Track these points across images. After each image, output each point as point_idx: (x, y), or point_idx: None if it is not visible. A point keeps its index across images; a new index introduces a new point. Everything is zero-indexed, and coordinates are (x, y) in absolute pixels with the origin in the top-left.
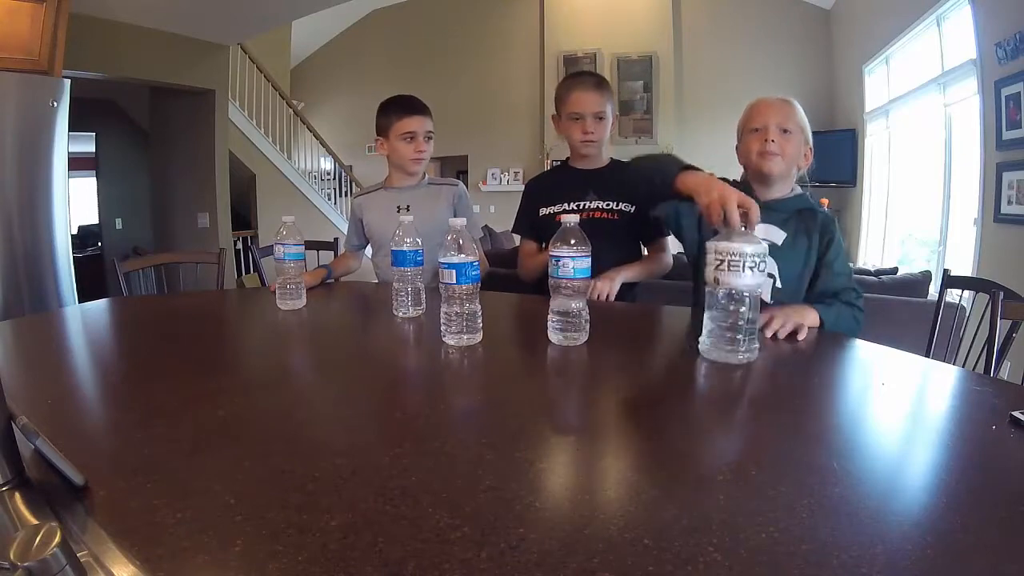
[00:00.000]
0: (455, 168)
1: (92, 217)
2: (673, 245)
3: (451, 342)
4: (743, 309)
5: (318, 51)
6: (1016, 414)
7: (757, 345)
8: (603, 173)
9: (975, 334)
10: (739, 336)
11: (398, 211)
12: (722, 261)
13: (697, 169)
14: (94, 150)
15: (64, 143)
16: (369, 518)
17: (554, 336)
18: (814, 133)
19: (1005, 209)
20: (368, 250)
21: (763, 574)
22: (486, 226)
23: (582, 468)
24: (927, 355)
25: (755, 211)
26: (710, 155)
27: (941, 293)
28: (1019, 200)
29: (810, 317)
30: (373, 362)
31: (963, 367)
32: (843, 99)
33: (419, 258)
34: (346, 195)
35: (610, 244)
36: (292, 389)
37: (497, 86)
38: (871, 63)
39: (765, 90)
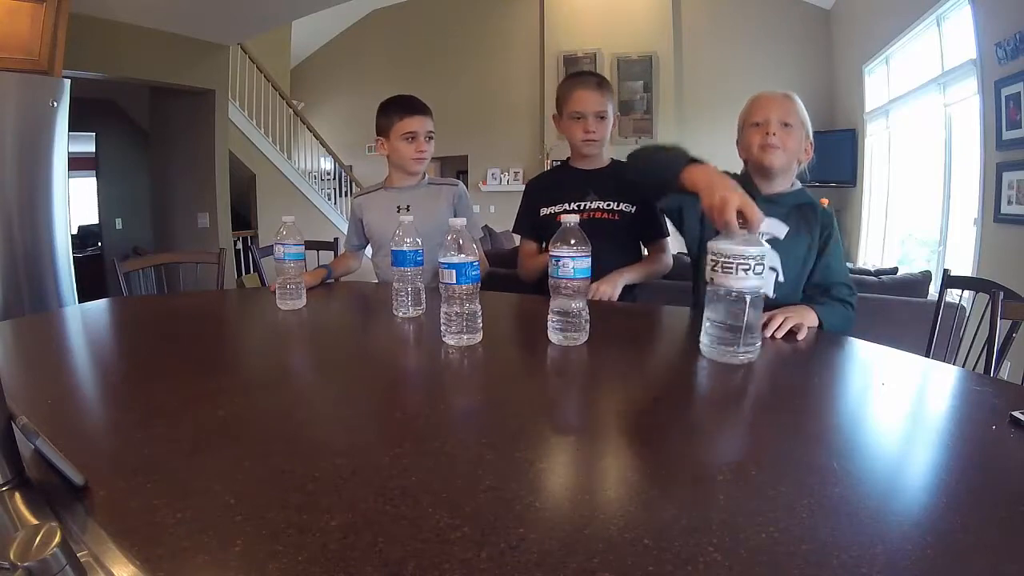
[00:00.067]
0: (455, 168)
1: (92, 217)
2: (673, 245)
3: (451, 342)
4: (742, 309)
5: (318, 51)
6: (1016, 414)
7: (759, 344)
8: (604, 173)
9: (975, 334)
10: (738, 336)
11: (398, 211)
12: (717, 263)
13: (702, 162)
14: (94, 150)
15: (64, 143)
16: (369, 518)
17: (554, 336)
18: (814, 133)
19: (1005, 209)
20: (368, 250)
21: (763, 574)
22: (486, 226)
23: (582, 468)
24: (927, 355)
25: (754, 215)
26: (710, 155)
27: (941, 293)
28: (1019, 200)
29: (809, 317)
30: (373, 362)
31: (963, 367)
32: (843, 99)
33: (419, 258)
34: (346, 195)
35: (610, 244)
36: (292, 389)
37: (497, 86)
38: (871, 63)
39: (765, 89)
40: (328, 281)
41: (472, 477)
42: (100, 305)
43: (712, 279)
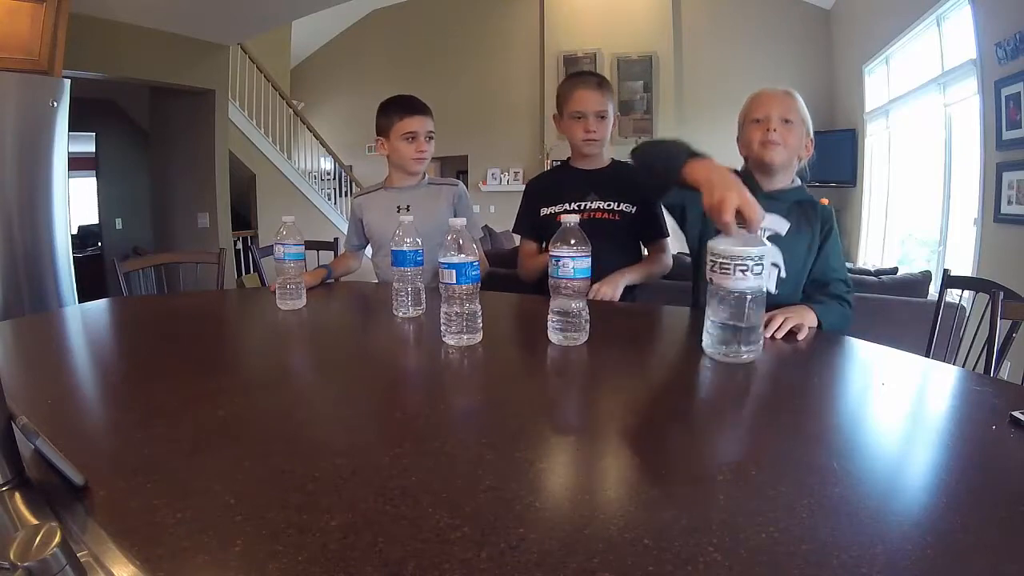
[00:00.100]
0: (455, 168)
1: (92, 217)
2: (673, 245)
3: (451, 342)
4: (742, 310)
5: (318, 51)
6: (1016, 414)
7: (761, 343)
8: (604, 173)
9: (975, 334)
10: (739, 335)
11: (398, 211)
12: (715, 263)
13: (704, 156)
14: (94, 150)
15: (64, 143)
16: (369, 518)
17: (554, 336)
18: (814, 133)
19: (1005, 209)
20: (368, 250)
21: (763, 574)
22: (486, 226)
23: (582, 468)
24: (927, 355)
25: (753, 214)
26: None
27: (941, 293)
28: (1019, 200)
29: (808, 318)
30: (373, 362)
31: (963, 367)
32: (843, 99)
33: (419, 258)
34: (346, 195)
35: (611, 244)
36: (292, 389)
37: (497, 86)
38: (871, 63)
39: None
40: (328, 281)
41: (472, 477)
42: (100, 305)
43: (711, 279)
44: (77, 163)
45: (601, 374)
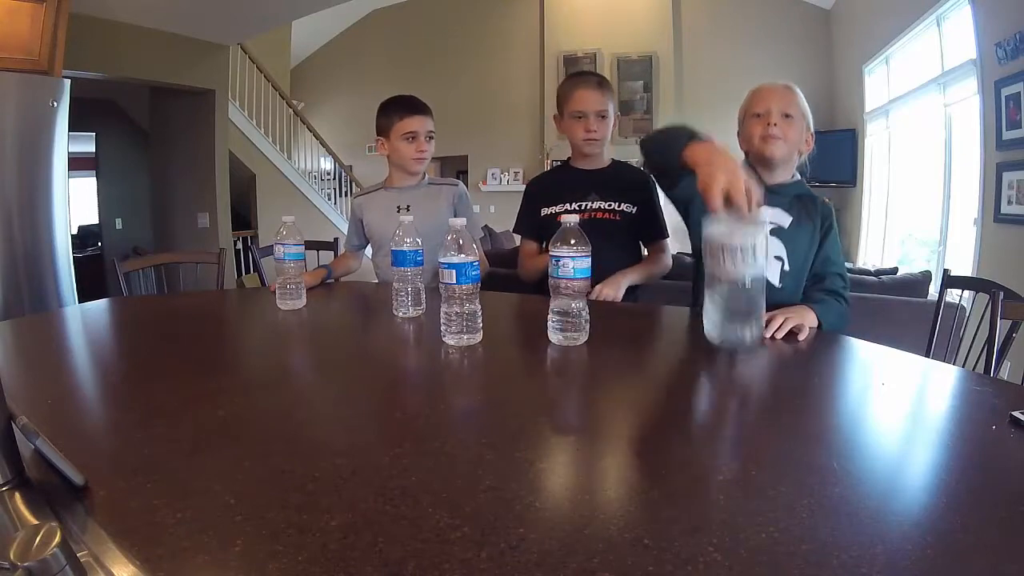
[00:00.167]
0: (455, 168)
1: (92, 217)
2: (673, 245)
3: (451, 342)
4: (737, 295)
5: (318, 51)
6: (1016, 414)
7: (761, 327)
8: (605, 173)
9: (975, 334)
10: (737, 319)
11: (398, 211)
12: (707, 249)
13: (706, 139)
14: (94, 150)
15: (64, 143)
16: (369, 518)
17: (554, 336)
18: (814, 133)
19: (1005, 209)
20: (368, 250)
21: (763, 574)
22: (486, 226)
23: (582, 468)
24: (927, 355)
25: (738, 197)
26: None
27: (941, 293)
28: (1019, 200)
29: (809, 318)
30: (373, 362)
31: (963, 367)
32: (843, 99)
33: (419, 258)
34: (346, 195)
35: (611, 244)
36: (292, 389)
37: (497, 86)
38: (871, 63)
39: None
40: (328, 281)
41: (472, 477)
42: (100, 305)
43: (706, 264)
44: (77, 163)
45: (601, 374)
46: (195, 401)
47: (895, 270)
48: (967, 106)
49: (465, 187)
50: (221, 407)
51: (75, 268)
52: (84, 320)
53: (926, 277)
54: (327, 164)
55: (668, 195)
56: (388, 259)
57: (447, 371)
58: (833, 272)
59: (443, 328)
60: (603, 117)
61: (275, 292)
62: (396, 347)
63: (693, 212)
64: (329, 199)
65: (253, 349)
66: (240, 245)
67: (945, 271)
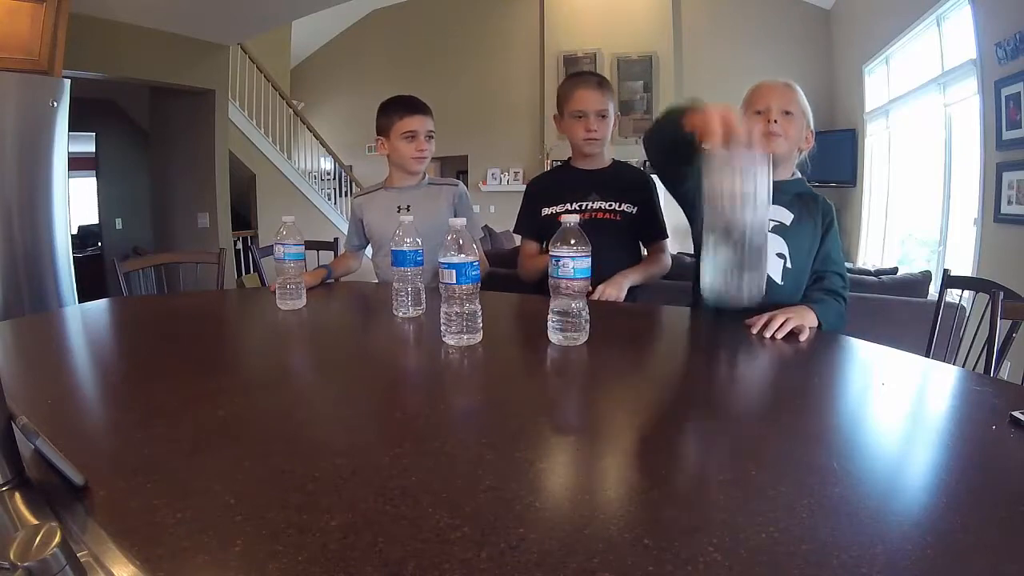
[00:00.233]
0: (455, 168)
1: (92, 217)
2: (673, 245)
3: (451, 342)
4: (739, 241)
5: (318, 51)
6: (1016, 414)
7: (763, 280)
8: (605, 173)
9: (975, 334)
10: (734, 274)
11: (398, 211)
12: (706, 200)
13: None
14: (94, 150)
15: (64, 143)
16: (369, 518)
17: (554, 336)
18: (814, 131)
19: (1005, 209)
20: (368, 250)
21: (763, 574)
22: (486, 226)
23: (582, 468)
24: (927, 355)
25: (738, 126)
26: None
27: (941, 293)
28: (1019, 200)
29: (809, 318)
30: (373, 362)
31: (963, 367)
32: (843, 99)
33: (419, 258)
34: (346, 195)
35: (611, 244)
36: (292, 389)
37: (497, 86)
38: (871, 63)
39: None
40: (328, 281)
41: (472, 477)
42: (100, 305)
43: (706, 216)
44: (77, 163)
45: (601, 374)
46: (195, 401)
47: (895, 270)
48: (967, 106)
49: (465, 187)
50: (221, 407)
51: (75, 268)
52: (84, 320)
53: (926, 277)
54: (327, 164)
55: (674, 194)
56: (388, 259)
57: (447, 371)
58: (833, 271)
59: (443, 328)
60: (603, 117)
61: (275, 292)
62: (396, 347)
63: (699, 205)
64: (329, 199)
65: (253, 349)
66: (240, 245)
67: (945, 271)
